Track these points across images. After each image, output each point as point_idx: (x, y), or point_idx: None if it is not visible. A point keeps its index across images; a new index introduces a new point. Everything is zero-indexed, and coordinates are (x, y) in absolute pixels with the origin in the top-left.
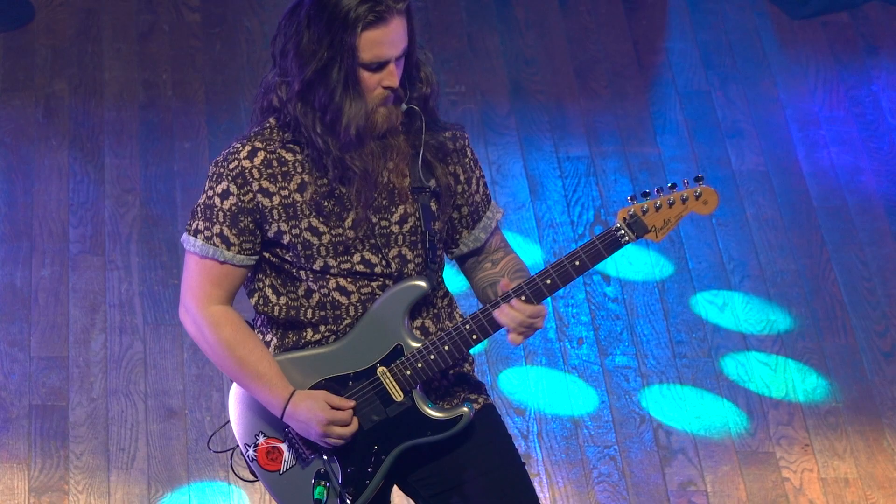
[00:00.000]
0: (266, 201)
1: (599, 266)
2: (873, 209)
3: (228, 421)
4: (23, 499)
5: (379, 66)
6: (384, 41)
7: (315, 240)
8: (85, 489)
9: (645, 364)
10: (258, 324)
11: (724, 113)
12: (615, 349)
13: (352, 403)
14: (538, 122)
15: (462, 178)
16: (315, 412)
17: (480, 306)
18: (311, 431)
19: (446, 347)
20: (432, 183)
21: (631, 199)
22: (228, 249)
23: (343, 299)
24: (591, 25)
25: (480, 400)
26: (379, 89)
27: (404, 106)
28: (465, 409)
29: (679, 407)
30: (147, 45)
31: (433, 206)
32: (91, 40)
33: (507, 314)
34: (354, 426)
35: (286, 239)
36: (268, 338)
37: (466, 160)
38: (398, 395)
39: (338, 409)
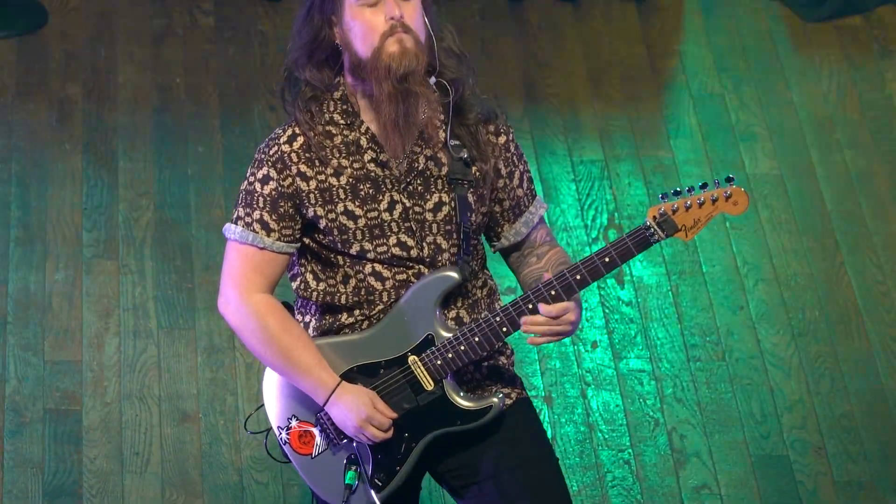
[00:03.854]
0: (304, 185)
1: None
2: (887, 213)
3: (263, 404)
4: (37, 503)
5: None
6: None
7: (351, 223)
8: (99, 493)
9: (659, 368)
10: (297, 305)
11: (737, 116)
12: (629, 353)
13: (394, 414)
14: (552, 126)
15: (504, 171)
16: (358, 406)
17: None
18: (349, 423)
19: (476, 339)
20: (472, 171)
21: (662, 197)
22: (268, 235)
23: (377, 285)
24: (604, 29)
25: (514, 394)
26: (382, 23)
27: (433, 79)
28: (495, 399)
29: (693, 410)
30: (161, 49)
31: (470, 197)
32: (105, 44)
33: (532, 325)
34: (390, 433)
35: (322, 223)
36: (307, 319)
37: (510, 154)
38: (429, 384)
39: (380, 412)
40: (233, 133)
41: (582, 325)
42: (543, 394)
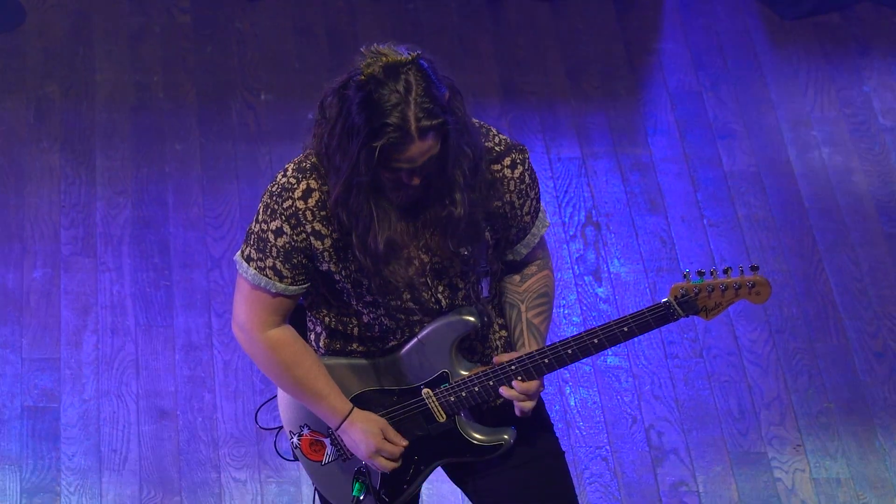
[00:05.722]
0: (318, 244)
1: (591, 266)
2: (865, 209)
3: (275, 396)
4: (15, 500)
5: (397, 173)
6: (401, 160)
7: (364, 280)
8: (77, 490)
9: (636, 365)
10: (309, 314)
11: (715, 113)
12: (606, 350)
13: (405, 442)
14: (529, 123)
15: (516, 203)
16: (368, 437)
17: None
18: (359, 451)
19: (491, 383)
20: (490, 207)
21: (685, 275)
22: (281, 282)
23: (391, 323)
24: (582, 27)
25: None
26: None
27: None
28: (506, 436)
29: (671, 407)
30: (138, 46)
31: (487, 234)
32: (82, 42)
33: (513, 394)
34: (399, 463)
35: (336, 277)
36: (318, 329)
37: (524, 186)
38: (441, 417)
39: (391, 441)
40: (211, 131)
41: (559, 322)
42: None
